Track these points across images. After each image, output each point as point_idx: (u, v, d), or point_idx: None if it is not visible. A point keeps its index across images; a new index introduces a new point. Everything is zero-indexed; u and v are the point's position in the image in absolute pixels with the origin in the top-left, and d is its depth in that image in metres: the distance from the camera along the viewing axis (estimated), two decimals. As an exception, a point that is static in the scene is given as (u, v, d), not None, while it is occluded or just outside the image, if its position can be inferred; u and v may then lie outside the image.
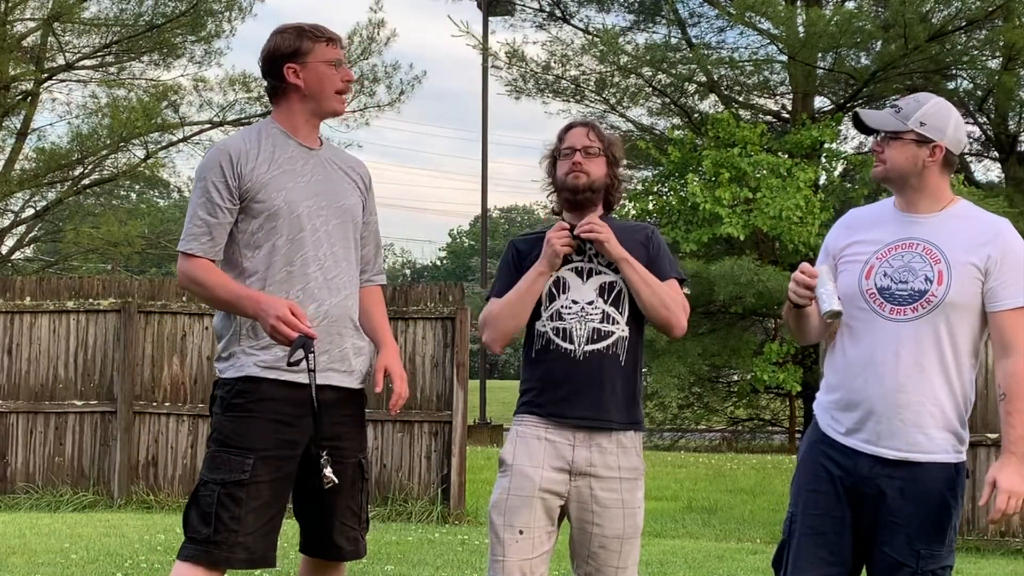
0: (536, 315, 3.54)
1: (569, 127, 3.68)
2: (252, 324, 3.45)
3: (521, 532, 3.44)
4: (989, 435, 8.89)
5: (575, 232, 3.50)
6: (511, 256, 3.66)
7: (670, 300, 3.54)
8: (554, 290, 3.55)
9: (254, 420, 3.40)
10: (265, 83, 3.60)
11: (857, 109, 3.48)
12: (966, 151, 23.84)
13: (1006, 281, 3.18)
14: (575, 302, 3.53)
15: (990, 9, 18.77)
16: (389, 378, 3.59)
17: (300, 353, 3.31)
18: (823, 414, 3.36)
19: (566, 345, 3.49)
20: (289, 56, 3.50)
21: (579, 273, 3.56)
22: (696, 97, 21.91)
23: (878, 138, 3.32)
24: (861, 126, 3.39)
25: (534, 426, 3.51)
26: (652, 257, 3.57)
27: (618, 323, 3.53)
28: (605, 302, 3.53)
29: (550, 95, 21.64)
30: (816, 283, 3.25)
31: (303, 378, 3.42)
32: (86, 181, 22.33)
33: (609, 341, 3.51)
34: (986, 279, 3.19)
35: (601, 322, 3.51)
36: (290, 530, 3.83)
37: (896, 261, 3.25)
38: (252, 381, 3.41)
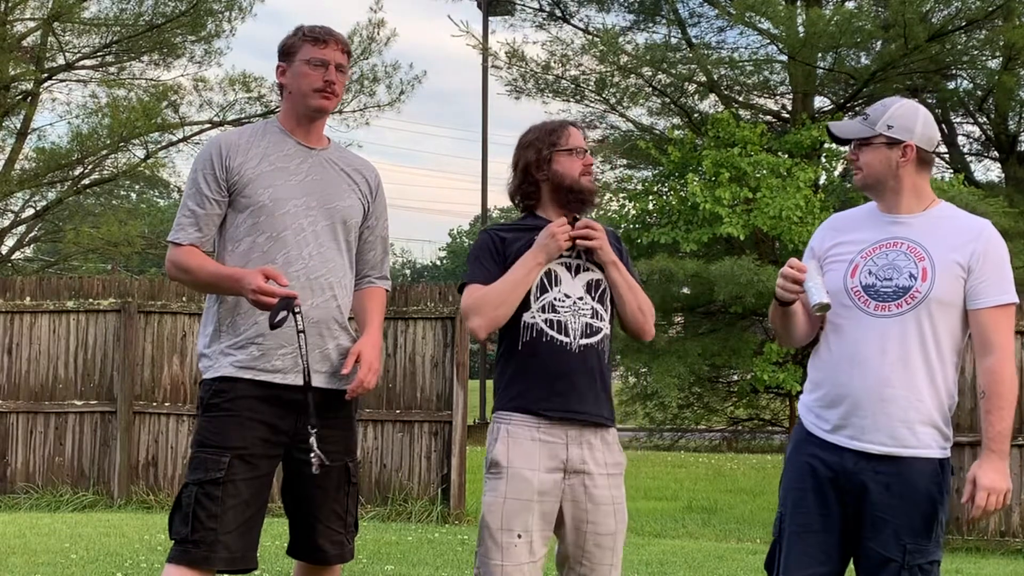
0: (524, 307, 3.49)
1: (567, 125, 3.65)
2: (231, 321, 3.46)
3: (520, 536, 3.40)
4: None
5: (572, 234, 3.49)
6: (494, 243, 3.57)
7: (646, 306, 3.58)
8: (546, 282, 3.52)
9: (230, 419, 3.40)
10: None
11: (828, 122, 3.55)
12: (966, 151, 23.84)
13: (987, 279, 3.24)
14: (567, 296, 3.51)
15: (990, 9, 18.75)
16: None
17: (283, 315, 3.30)
18: (807, 413, 3.40)
19: (562, 338, 3.47)
20: (281, 56, 3.58)
21: (569, 268, 3.56)
22: (696, 97, 21.88)
23: (851, 147, 3.37)
24: (834, 138, 3.45)
25: (526, 426, 3.46)
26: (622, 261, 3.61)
27: (604, 320, 3.54)
28: (592, 299, 3.53)
29: (550, 95, 21.61)
30: (805, 277, 3.30)
31: (279, 378, 3.43)
32: (86, 181, 22.30)
33: (598, 337, 3.51)
34: (968, 277, 3.24)
35: (591, 318, 3.51)
36: (288, 530, 3.83)
37: (880, 259, 3.31)
38: (229, 381, 3.42)
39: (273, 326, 3.31)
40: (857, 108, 20.71)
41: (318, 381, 3.49)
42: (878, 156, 3.32)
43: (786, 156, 18.38)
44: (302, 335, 3.38)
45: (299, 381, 3.45)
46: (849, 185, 19.62)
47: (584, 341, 3.48)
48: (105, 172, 22.30)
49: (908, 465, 3.22)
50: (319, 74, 3.51)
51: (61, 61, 21.53)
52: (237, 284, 3.36)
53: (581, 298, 3.52)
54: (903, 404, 3.22)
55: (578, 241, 3.49)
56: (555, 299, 3.50)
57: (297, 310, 3.35)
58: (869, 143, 3.33)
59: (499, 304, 3.46)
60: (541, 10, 22.52)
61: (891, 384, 3.22)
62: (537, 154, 3.57)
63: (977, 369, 3.28)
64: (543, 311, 3.49)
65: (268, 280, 3.32)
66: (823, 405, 3.34)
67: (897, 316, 3.24)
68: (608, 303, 3.56)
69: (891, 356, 3.22)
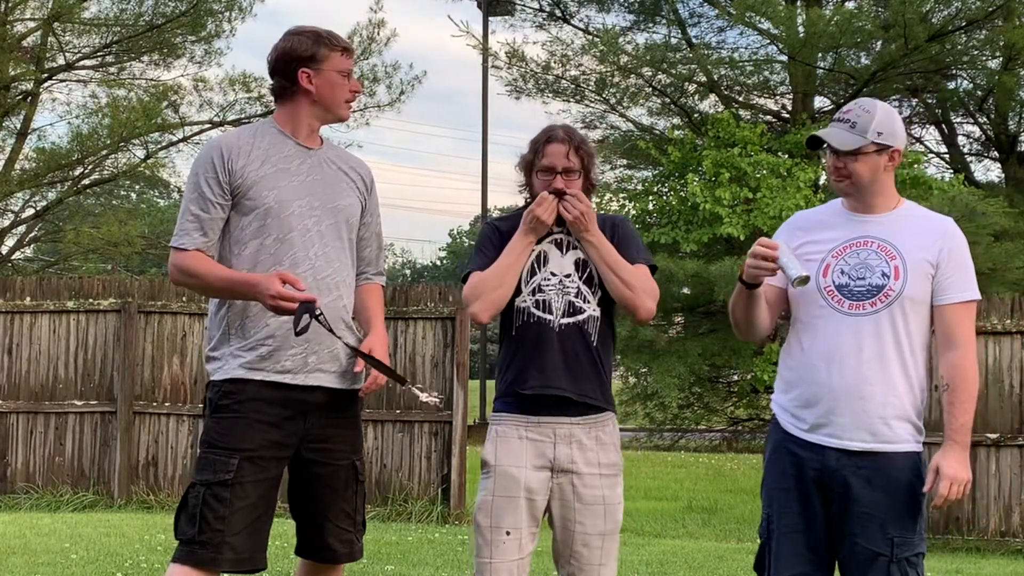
0: (515, 292, 3.53)
1: (549, 139, 3.58)
2: (240, 324, 3.45)
3: (508, 533, 3.45)
4: (989, 435, 8.89)
5: (561, 200, 3.50)
6: (494, 234, 3.62)
7: (635, 281, 3.51)
8: (535, 265, 3.55)
9: (240, 421, 3.40)
10: (271, 81, 3.57)
11: (814, 132, 3.54)
12: (966, 151, 23.82)
13: (952, 276, 3.31)
14: (554, 274, 3.54)
15: (990, 9, 18.74)
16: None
17: (306, 319, 3.30)
18: (783, 413, 3.43)
19: (546, 316, 3.50)
20: (305, 60, 3.50)
21: (559, 245, 3.58)
22: (696, 97, 21.87)
23: (837, 155, 3.36)
24: (817, 146, 3.44)
25: (514, 426, 3.50)
26: (616, 245, 3.56)
27: (589, 302, 3.54)
28: (579, 278, 3.55)
29: (550, 95, 21.60)
30: (778, 254, 3.30)
31: (289, 378, 3.43)
32: (86, 181, 22.28)
33: (582, 317, 3.52)
34: (936, 273, 3.31)
35: (576, 297, 3.52)
36: (290, 530, 3.84)
37: (852, 259, 3.35)
38: (238, 383, 3.42)
39: (298, 333, 3.31)
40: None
41: (328, 381, 3.49)
42: (869, 164, 3.34)
43: (786, 156, 18.38)
44: (334, 335, 3.41)
45: (308, 382, 3.45)
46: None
47: (565, 320, 3.50)
48: (105, 172, 22.30)
49: (888, 460, 3.28)
50: (350, 85, 3.55)
51: (61, 61, 21.52)
52: (253, 289, 3.34)
53: (568, 275, 3.54)
54: (881, 400, 3.27)
55: (562, 208, 3.50)
56: (543, 280, 3.54)
57: (319, 313, 3.34)
58: (861, 151, 3.34)
59: (497, 286, 3.50)
60: (541, 10, 22.51)
61: (869, 382, 3.27)
62: (525, 161, 3.64)
63: (940, 363, 3.34)
64: (532, 294, 3.53)
65: (285, 285, 3.31)
66: (799, 405, 3.37)
67: (871, 314, 3.29)
68: (598, 286, 3.55)
69: (867, 354, 3.28)
